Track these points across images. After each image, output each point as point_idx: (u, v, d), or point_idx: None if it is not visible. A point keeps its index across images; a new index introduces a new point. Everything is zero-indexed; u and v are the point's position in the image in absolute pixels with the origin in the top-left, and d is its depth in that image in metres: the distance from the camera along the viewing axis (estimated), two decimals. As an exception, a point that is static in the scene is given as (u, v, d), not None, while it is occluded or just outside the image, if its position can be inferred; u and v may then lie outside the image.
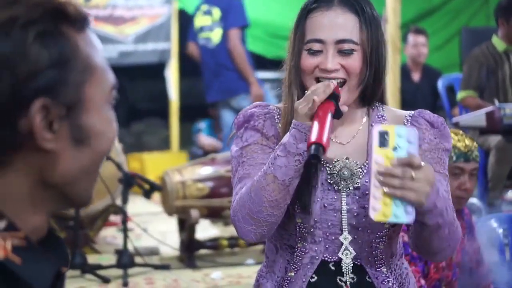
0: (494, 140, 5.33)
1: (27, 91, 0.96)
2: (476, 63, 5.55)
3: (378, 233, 1.90)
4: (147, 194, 4.63)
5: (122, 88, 12.00)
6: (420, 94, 6.84)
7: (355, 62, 1.86)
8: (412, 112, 2.00)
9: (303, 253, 1.91)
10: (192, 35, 6.72)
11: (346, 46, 1.86)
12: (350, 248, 1.90)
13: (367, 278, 1.92)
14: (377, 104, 1.99)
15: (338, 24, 1.87)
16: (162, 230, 5.77)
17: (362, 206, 1.88)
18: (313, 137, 1.72)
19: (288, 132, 1.82)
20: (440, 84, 6.44)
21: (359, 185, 1.90)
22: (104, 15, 8.56)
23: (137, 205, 6.08)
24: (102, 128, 1.04)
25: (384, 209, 1.64)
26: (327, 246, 1.90)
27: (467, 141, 2.96)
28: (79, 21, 1.03)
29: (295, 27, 1.93)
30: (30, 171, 1.00)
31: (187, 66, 9.01)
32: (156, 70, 9.20)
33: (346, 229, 1.89)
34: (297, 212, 1.88)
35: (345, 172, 1.90)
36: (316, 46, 1.88)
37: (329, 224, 1.89)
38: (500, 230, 3.43)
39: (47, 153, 0.99)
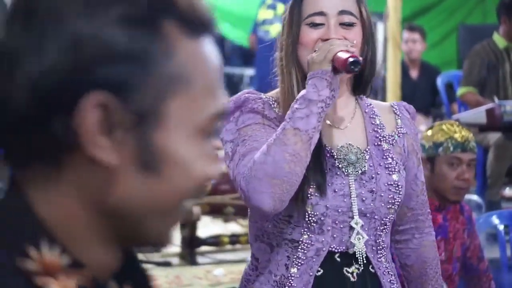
0: (493, 137, 5.34)
1: (86, 78, 0.76)
2: (477, 59, 5.56)
3: (384, 219, 1.90)
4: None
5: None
6: (419, 91, 6.85)
7: (356, 35, 1.85)
8: (394, 103, 2.06)
9: (308, 246, 1.84)
10: (254, 27, 6.90)
11: (347, 19, 1.85)
12: (363, 233, 1.86)
13: (370, 268, 1.90)
14: (360, 96, 2.00)
15: None
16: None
17: (370, 190, 1.87)
18: (346, 55, 1.74)
19: (305, 85, 1.79)
20: (440, 81, 6.46)
21: (365, 169, 1.89)
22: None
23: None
24: (184, 158, 0.80)
25: None
26: (334, 235, 1.85)
27: (464, 132, 3.01)
28: (193, 24, 0.81)
29: (290, 5, 1.91)
30: (83, 190, 0.79)
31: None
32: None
33: (357, 214, 1.86)
34: (310, 199, 1.82)
35: (352, 157, 1.88)
36: (318, 19, 1.85)
37: (339, 210, 1.85)
38: (501, 227, 3.45)
39: (102, 168, 0.77)
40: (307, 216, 1.83)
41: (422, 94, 6.81)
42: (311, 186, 1.82)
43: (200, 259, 4.83)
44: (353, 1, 1.88)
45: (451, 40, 8.54)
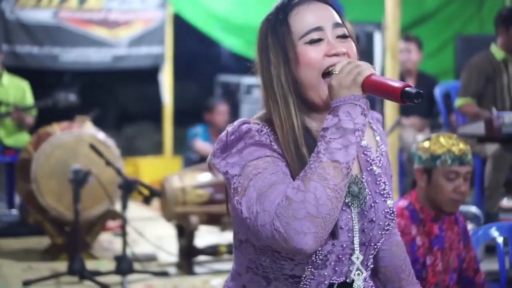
0: (491, 148, 5.35)
1: None
2: (475, 71, 5.57)
3: (377, 244, 1.84)
4: (147, 200, 4.61)
5: (114, 91, 11.97)
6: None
7: (353, 47, 1.77)
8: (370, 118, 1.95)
9: (310, 281, 1.77)
10: None
11: (341, 31, 1.76)
12: (362, 268, 1.81)
13: None
14: None
15: (328, 12, 1.78)
16: (159, 235, 5.76)
17: (370, 220, 1.79)
18: (397, 84, 1.65)
19: (331, 113, 1.66)
20: (437, 91, 6.45)
21: (366, 199, 1.79)
22: (98, 19, 8.53)
23: (132, 209, 6.05)
24: None
25: None
26: (336, 269, 1.78)
27: (461, 145, 3.01)
28: None
29: (272, 28, 1.77)
30: None
31: (181, 70, 9.01)
32: (149, 74, 9.19)
33: (357, 248, 1.78)
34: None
35: (355, 188, 1.79)
36: (316, 35, 1.74)
37: (343, 245, 1.77)
38: (501, 239, 3.44)
39: None
40: (314, 255, 1.74)
41: (419, 103, 6.80)
42: None
43: (197, 268, 4.82)
44: (335, 13, 1.79)
45: (448, 50, 8.56)
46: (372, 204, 1.78)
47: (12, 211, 6.12)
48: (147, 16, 8.74)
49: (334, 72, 1.70)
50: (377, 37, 7.60)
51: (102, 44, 8.53)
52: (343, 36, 1.75)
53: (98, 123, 12.40)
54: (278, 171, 1.69)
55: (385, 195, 1.81)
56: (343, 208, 1.74)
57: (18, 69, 8.23)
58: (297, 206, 1.60)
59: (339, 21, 1.77)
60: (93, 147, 4.61)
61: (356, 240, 1.77)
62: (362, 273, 1.80)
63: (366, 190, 1.79)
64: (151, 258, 5.08)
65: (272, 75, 1.75)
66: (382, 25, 5.82)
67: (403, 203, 3.09)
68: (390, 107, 5.30)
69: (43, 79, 11.03)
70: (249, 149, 1.71)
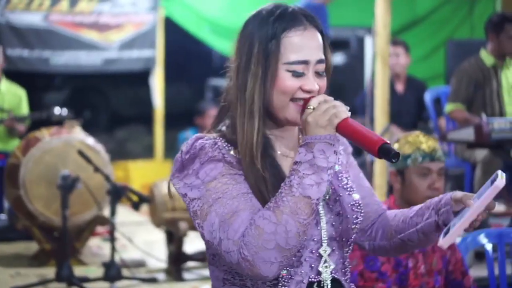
0: (480, 154, 5.36)
1: None
2: (465, 77, 5.58)
3: (349, 240, 1.90)
4: (136, 206, 4.60)
5: (105, 94, 11.95)
6: (405, 106, 6.85)
7: (325, 83, 1.85)
8: None
9: (288, 281, 1.81)
10: None
11: (321, 68, 1.83)
12: (330, 261, 1.85)
13: None
14: None
15: (316, 45, 1.83)
16: (148, 240, 5.75)
17: (337, 213, 1.87)
18: (375, 137, 1.72)
19: (304, 148, 1.74)
20: (428, 96, 6.46)
21: (330, 192, 1.88)
22: (89, 22, 8.51)
23: (122, 214, 6.04)
24: None
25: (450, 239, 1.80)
26: (312, 265, 1.83)
27: (430, 142, 3.08)
28: None
29: (264, 47, 1.80)
30: None
31: (172, 74, 9.00)
32: (140, 77, 9.18)
33: (326, 241, 1.85)
34: None
35: None
36: (300, 68, 1.80)
37: (314, 239, 1.83)
38: (490, 246, 3.44)
39: None
40: None
41: (408, 108, 6.81)
42: None
43: (186, 275, 4.81)
44: (322, 45, 1.85)
45: (439, 54, 8.58)
46: (337, 198, 1.87)
47: (1, 216, 6.09)
48: (138, 20, 8.72)
49: (309, 107, 1.77)
50: (368, 42, 7.61)
51: (92, 47, 8.52)
52: (321, 73, 1.83)
53: (90, 126, 12.39)
54: (238, 193, 1.74)
55: (348, 189, 1.90)
56: None
57: (9, 72, 8.23)
58: (268, 237, 1.68)
59: (322, 56, 1.84)
60: (81, 153, 4.59)
61: (324, 233, 1.84)
62: (330, 265, 1.85)
63: (328, 186, 1.83)
64: (140, 264, 5.07)
65: (247, 85, 1.81)
66: (372, 31, 5.81)
67: None
68: (380, 113, 5.30)
69: (35, 82, 11.02)
70: (205, 168, 1.76)
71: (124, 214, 6.09)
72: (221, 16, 8.83)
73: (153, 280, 4.66)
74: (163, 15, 8.73)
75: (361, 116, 6.08)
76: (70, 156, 4.97)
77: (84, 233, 5.21)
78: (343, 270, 1.90)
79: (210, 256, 1.88)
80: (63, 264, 4.46)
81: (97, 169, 4.54)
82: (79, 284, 4.42)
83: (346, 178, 1.92)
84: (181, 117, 8.90)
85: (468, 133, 5.01)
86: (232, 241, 1.69)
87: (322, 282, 1.85)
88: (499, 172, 1.79)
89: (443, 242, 1.79)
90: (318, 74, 1.82)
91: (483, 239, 3.52)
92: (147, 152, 9.76)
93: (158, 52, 8.75)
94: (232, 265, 1.72)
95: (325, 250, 1.84)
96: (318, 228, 1.83)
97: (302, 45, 1.81)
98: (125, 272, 4.68)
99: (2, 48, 6.30)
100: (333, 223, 1.86)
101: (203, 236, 1.76)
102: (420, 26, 9.28)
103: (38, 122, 6.08)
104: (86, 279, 4.54)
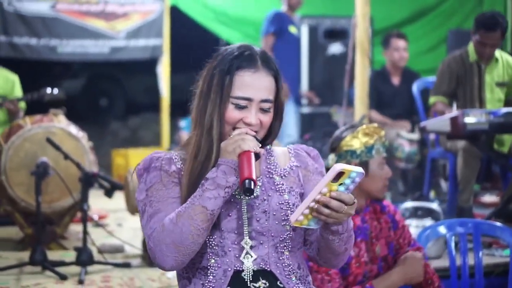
0: (461, 142, 5.33)
1: None
2: (448, 70, 5.54)
3: (281, 236, 2.13)
4: (108, 193, 4.70)
5: (120, 81, 12.07)
6: (399, 97, 6.86)
7: (269, 118, 2.15)
8: (290, 146, 2.33)
9: (216, 269, 2.10)
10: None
11: (266, 106, 2.13)
12: (252, 252, 2.11)
13: (278, 283, 2.12)
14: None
15: (264, 86, 2.13)
16: (137, 227, 5.85)
17: (263, 211, 2.13)
18: (246, 173, 2.00)
19: (215, 168, 2.06)
20: (415, 87, 6.45)
21: (258, 194, 2.15)
22: (96, 11, 8.63)
23: (116, 201, 6.14)
24: None
25: (303, 220, 2.00)
26: (237, 255, 2.10)
27: (382, 132, 3.17)
28: None
29: (221, 79, 2.11)
30: None
31: (179, 62, 9.08)
32: (150, 65, 9.29)
33: (247, 235, 2.11)
34: None
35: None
36: (243, 103, 2.11)
37: (235, 232, 2.10)
38: (452, 238, 3.47)
39: None
40: (208, 241, 2.09)
41: (402, 100, 6.82)
42: None
43: (159, 261, 4.88)
44: (272, 87, 2.15)
45: (443, 46, 8.52)
46: (265, 198, 2.15)
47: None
48: (145, 9, 8.82)
49: (229, 135, 2.11)
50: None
51: (99, 36, 8.64)
52: (265, 110, 2.14)
53: (106, 113, 12.50)
54: (164, 197, 2.11)
55: (281, 191, 2.17)
56: (232, 200, 2.12)
57: (20, 60, 8.40)
58: (167, 234, 2.02)
59: (268, 97, 2.13)
60: (49, 141, 4.70)
61: (245, 227, 2.11)
62: (251, 257, 2.11)
63: (260, 188, 2.16)
64: (118, 250, 5.17)
65: (207, 110, 2.13)
66: (352, 24, 5.81)
67: None
68: (360, 102, 5.33)
69: (51, 70, 11.18)
70: (148, 177, 2.14)
71: (118, 201, 6.17)
72: (226, 5, 8.89)
73: (125, 265, 4.75)
74: (169, 4, 8.82)
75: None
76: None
77: (65, 218, 5.32)
78: (278, 265, 2.12)
79: None
80: (37, 248, 4.57)
81: (67, 157, 4.64)
82: (51, 268, 4.53)
83: (283, 184, 2.19)
84: (187, 105, 8.97)
85: (444, 125, 5.00)
86: (147, 235, 2.07)
87: (244, 272, 2.10)
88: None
89: (291, 218, 2.00)
90: (262, 110, 2.13)
91: (442, 230, 3.56)
92: (157, 140, 9.88)
93: (165, 41, 8.84)
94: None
95: (247, 242, 2.11)
96: (240, 222, 2.11)
97: (250, 85, 2.12)
98: (104, 257, 4.80)
99: None
100: (258, 219, 2.12)
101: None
102: (427, 17, 9.24)
103: (35, 106, 6.20)
104: (60, 263, 4.65)
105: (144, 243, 4.95)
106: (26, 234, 5.29)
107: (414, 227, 4.69)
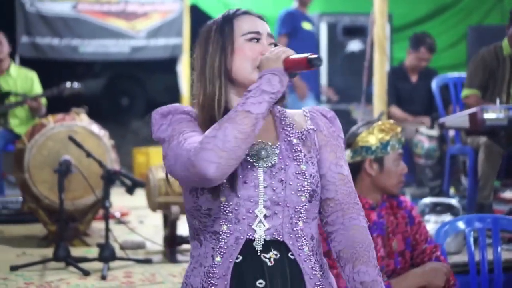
0: (482, 138, 5.32)
1: None
2: (482, 62, 5.49)
3: (297, 207, 2.08)
4: (130, 191, 4.76)
5: (140, 80, 12.15)
6: (416, 94, 6.86)
7: None
8: (305, 108, 2.26)
9: (228, 236, 2.04)
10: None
11: (272, 40, 2.14)
12: (265, 222, 2.05)
13: (289, 255, 2.07)
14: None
15: (264, 24, 2.16)
16: (157, 224, 5.92)
17: (280, 180, 2.07)
18: (306, 55, 2.00)
19: (257, 79, 2.02)
20: (434, 83, 6.45)
21: (275, 162, 2.09)
22: (117, 10, 8.71)
23: (137, 198, 6.21)
24: None
25: None
26: (250, 224, 2.05)
27: (398, 129, 3.20)
28: None
29: (220, 26, 2.12)
30: None
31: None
32: (170, 64, 9.35)
33: (263, 204, 2.05)
34: (223, 190, 2.03)
35: (263, 152, 2.10)
36: (258, 36, 2.11)
37: (251, 200, 2.05)
38: (471, 233, 3.49)
39: None
40: (222, 207, 2.03)
41: (420, 97, 6.82)
42: (224, 180, 2.01)
43: (180, 257, 4.94)
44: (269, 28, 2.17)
45: (463, 43, 8.49)
46: (282, 167, 2.09)
47: (19, 199, 6.33)
48: (165, 8, 8.89)
49: (245, 74, 2.08)
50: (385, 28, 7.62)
51: (120, 35, 8.72)
52: (274, 45, 2.13)
53: (127, 113, 12.58)
54: (199, 131, 2.03)
55: (298, 160, 2.11)
56: (249, 166, 2.07)
57: (43, 60, 8.50)
58: (208, 140, 1.93)
59: (271, 32, 2.15)
60: (72, 139, 4.77)
61: (261, 195, 2.06)
62: (264, 226, 2.05)
63: (278, 156, 2.10)
64: (140, 246, 5.24)
65: (206, 63, 2.10)
66: (370, 20, 5.83)
67: None
68: (378, 99, 5.35)
69: (74, 70, 11.28)
70: (175, 117, 2.07)
71: (140, 198, 6.23)
72: (246, 4, 8.92)
73: (147, 261, 4.81)
74: (189, 3, 8.87)
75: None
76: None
77: (88, 215, 5.40)
78: (291, 236, 2.07)
79: (188, 220, 2.14)
80: (60, 245, 4.65)
81: (89, 155, 4.71)
82: (74, 263, 4.61)
83: (301, 151, 2.13)
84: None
85: (463, 121, 5.02)
86: (186, 150, 1.95)
87: (255, 241, 2.05)
88: None
89: None
90: (271, 45, 2.12)
91: (461, 225, 3.58)
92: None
93: (185, 40, 8.90)
94: (182, 173, 1.97)
95: (261, 211, 2.05)
96: (256, 190, 2.05)
97: (253, 21, 2.14)
98: (122, 254, 4.86)
99: (2, 34, 6.50)
100: (274, 188, 2.07)
101: (164, 160, 2.03)
102: (447, 13, 9.22)
103: (57, 105, 6.28)
104: (83, 259, 4.72)
105: (165, 240, 5.02)
106: (49, 231, 5.37)
107: (433, 223, 4.71)
